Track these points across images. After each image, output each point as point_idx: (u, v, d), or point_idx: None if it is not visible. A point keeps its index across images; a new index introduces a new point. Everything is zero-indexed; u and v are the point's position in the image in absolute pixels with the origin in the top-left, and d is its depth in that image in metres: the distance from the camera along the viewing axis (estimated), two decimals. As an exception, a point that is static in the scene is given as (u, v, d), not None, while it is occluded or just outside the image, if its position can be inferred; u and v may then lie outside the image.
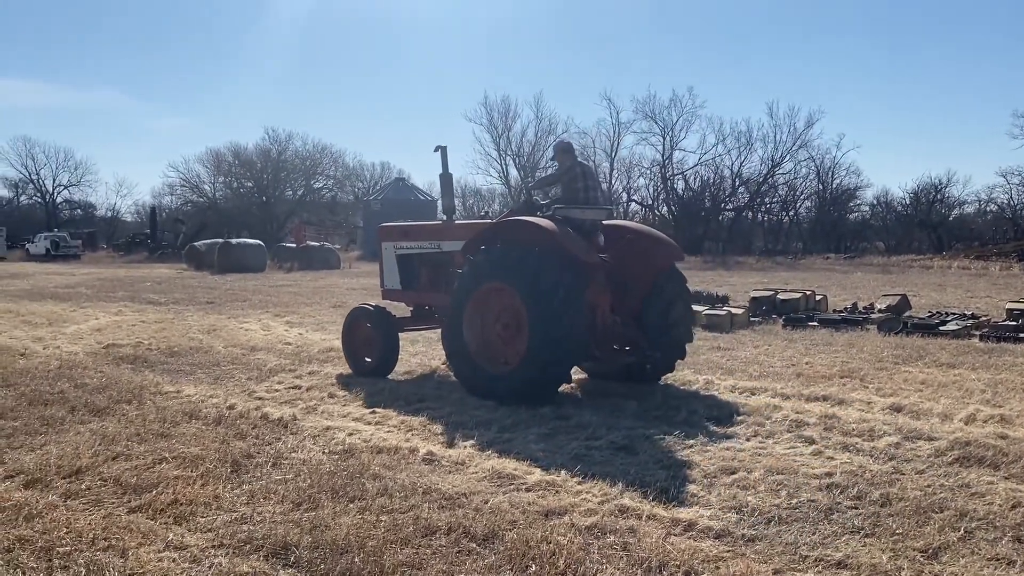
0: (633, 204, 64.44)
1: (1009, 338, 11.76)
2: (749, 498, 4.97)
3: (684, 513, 4.74)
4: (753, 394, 8.16)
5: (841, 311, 15.45)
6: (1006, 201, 53.88)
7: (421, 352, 11.03)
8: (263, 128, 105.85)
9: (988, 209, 54.38)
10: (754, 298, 16.58)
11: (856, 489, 5.13)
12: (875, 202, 59.81)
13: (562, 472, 5.56)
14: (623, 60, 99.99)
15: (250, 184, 72.08)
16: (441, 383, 8.88)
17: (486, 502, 4.97)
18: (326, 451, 6.15)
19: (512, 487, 5.29)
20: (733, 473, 5.50)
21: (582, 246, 7.85)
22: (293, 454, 6.06)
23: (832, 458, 5.84)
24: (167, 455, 5.99)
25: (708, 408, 7.48)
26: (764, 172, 60.38)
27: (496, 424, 6.92)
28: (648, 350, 8.34)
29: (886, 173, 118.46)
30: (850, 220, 60.24)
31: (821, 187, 61.14)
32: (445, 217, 10.05)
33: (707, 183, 64.32)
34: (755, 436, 6.57)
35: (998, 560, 4.06)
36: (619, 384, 8.52)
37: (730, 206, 64.75)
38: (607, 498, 5.01)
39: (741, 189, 63.07)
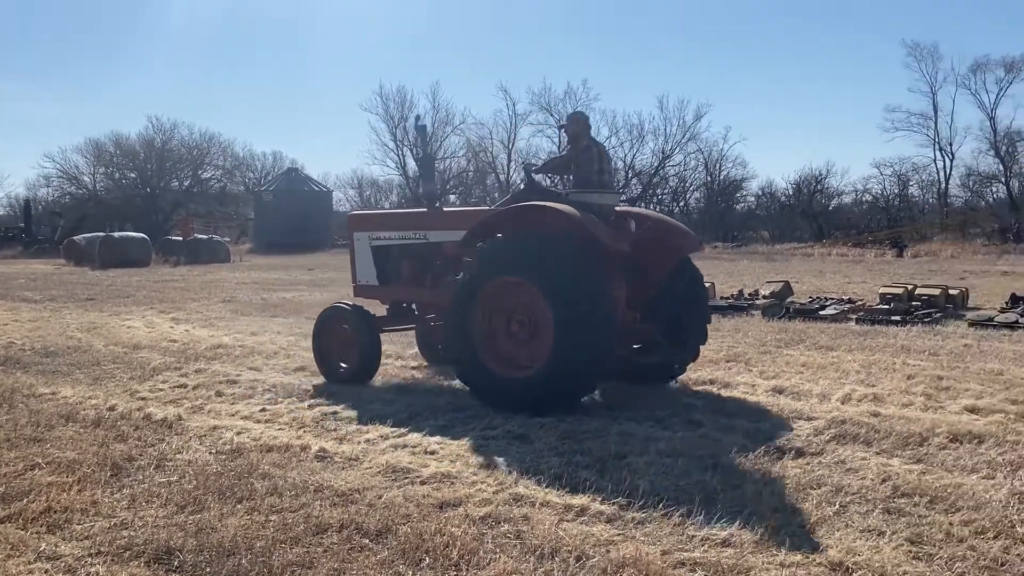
0: (530, 195, 64.69)
1: (882, 321, 12.45)
2: (640, 482, 5.07)
3: (577, 499, 4.80)
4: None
5: (728, 298, 16.00)
6: (880, 191, 57.00)
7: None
8: (146, 116, 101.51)
9: (864, 199, 57.35)
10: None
11: (741, 469, 5.32)
12: (760, 193, 62.17)
13: (458, 463, 5.55)
14: (519, 51, 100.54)
15: (133, 175, 69.05)
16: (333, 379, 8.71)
17: (380, 497, 4.91)
18: (213, 451, 5.95)
19: (407, 481, 5.24)
20: (625, 458, 5.60)
21: (612, 235, 7.12)
22: (178, 455, 5.83)
23: (719, 440, 6.03)
24: (40, 460, 5.66)
25: (603, 395, 7.60)
26: (656, 164, 61.95)
27: (391, 418, 6.85)
28: (671, 349, 7.69)
29: (770, 165, 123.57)
30: (737, 210, 62.46)
31: (709, 178, 63.17)
32: (426, 203, 9.12)
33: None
34: (646, 421, 6.71)
35: (870, 532, 4.27)
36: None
37: (624, 197, 66.00)
38: (502, 487, 5.03)
39: (634, 181, 64.37)
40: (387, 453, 5.83)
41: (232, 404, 7.57)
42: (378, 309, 9.24)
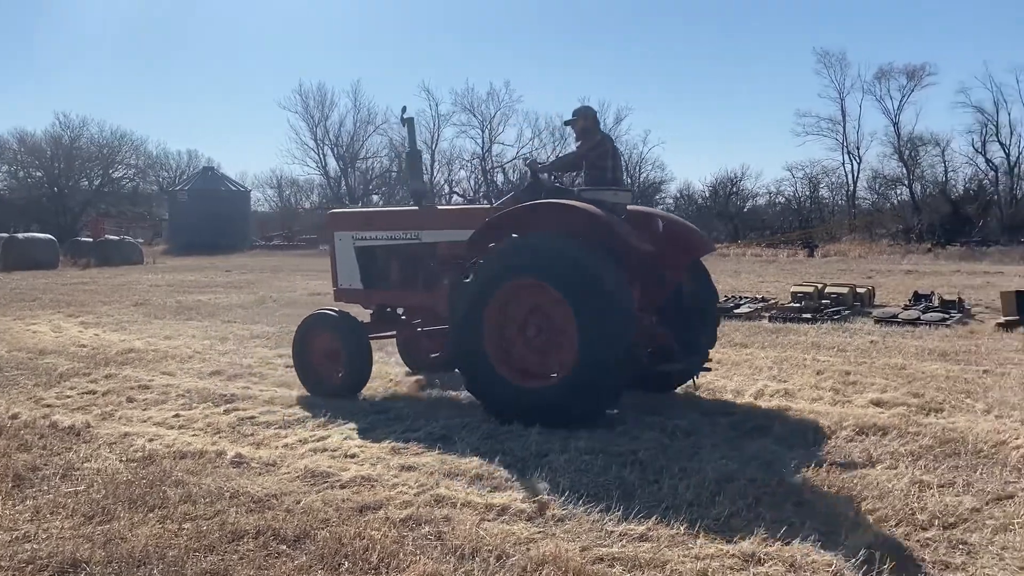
0: (456, 196, 64.76)
1: (793, 319, 12.87)
2: (560, 479, 5.13)
3: (498, 498, 4.83)
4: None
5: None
6: (792, 193, 58.90)
7: (232, 351, 10.58)
8: (53, 113, 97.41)
9: (777, 201, 59.12)
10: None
11: (658, 465, 5.42)
12: (679, 195, 63.45)
13: (378, 466, 5.51)
14: (441, 51, 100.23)
15: (39, 174, 66.08)
16: (250, 383, 8.53)
17: (298, 502, 4.83)
18: (123, 459, 5.75)
19: (326, 485, 5.17)
20: (546, 456, 5.64)
21: (637, 236, 6.77)
22: (86, 464, 5.62)
23: (638, 437, 6.13)
24: (-66, 474, 5.38)
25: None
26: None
27: (311, 421, 6.75)
28: (691, 355, 7.30)
29: (688, 167, 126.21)
30: (656, 211, 63.57)
31: (630, 181, 64.14)
32: (413, 201, 8.38)
33: (525, 176, 65.54)
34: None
35: (781, 523, 4.38)
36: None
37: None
38: (423, 489, 5.01)
39: (557, 183, 64.71)
40: (306, 457, 5.74)
41: (144, 410, 7.34)
42: (359, 314, 8.71)
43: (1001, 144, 52.95)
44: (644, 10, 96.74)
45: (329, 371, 7.78)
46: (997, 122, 52.98)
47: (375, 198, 69.42)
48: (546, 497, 4.81)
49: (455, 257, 7.45)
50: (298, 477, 5.33)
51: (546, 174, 7.68)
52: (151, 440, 6.22)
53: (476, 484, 5.11)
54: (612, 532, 4.32)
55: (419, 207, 8.24)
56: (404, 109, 8.19)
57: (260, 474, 5.42)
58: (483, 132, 63.82)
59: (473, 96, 63.57)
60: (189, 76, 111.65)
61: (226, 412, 7.14)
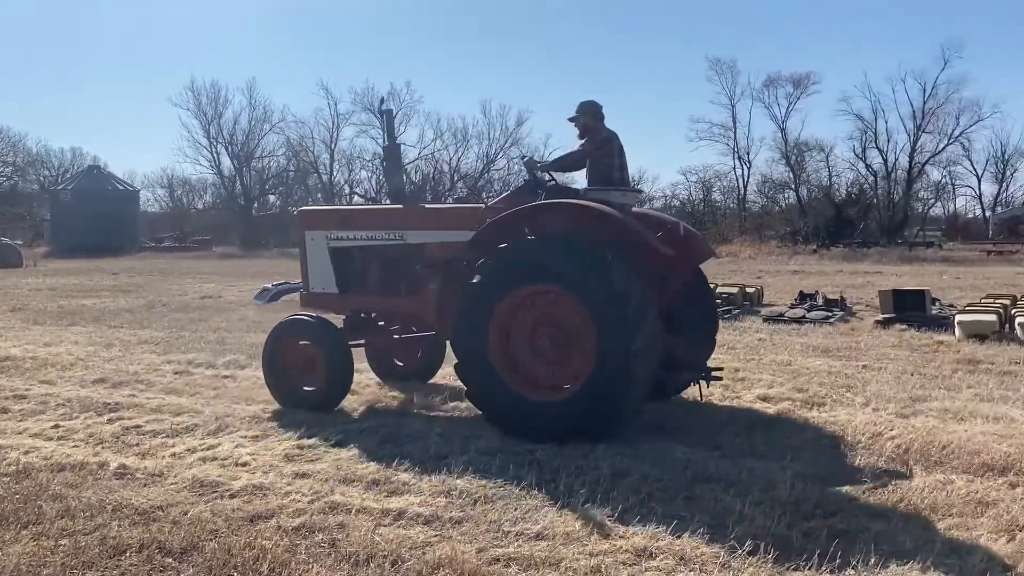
0: (356, 197, 63.96)
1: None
2: (458, 481, 5.12)
3: (394, 502, 4.78)
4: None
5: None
6: (687, 197, 60.74)
7: (117, 357, 10.13)
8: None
9: (672, 204, 60.77)
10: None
11: (555, 464, 5.46)
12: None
13: (271, 474, 5.36)
14: (340, 49, 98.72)
15: (-94, 171, 61.86)
16: (136, 391, 8.18)
17: (185, 513, 4.65)
18: (-6, 474, 5.42)
19: (215, 495, 5.00)
20: (445, 458, 5.62)
21: (658, 239, 6.41)
22: (-48, 481, 5.27)
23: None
24: None
25: (424, 396, 7.61)
26: (481, 168, 62.78)
27: (200, 430, 6.53)
28: (696, 363, 7.01)
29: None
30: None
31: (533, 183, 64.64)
32: (391, 198, 7.78)
33: (427, 177, 65.49)
34: (470, 421, 6.77)
35: (672, 517, 4.48)
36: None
37: (450, 200, 66.48)
38: (317, 496, 4.91)
39: (460, 184, 64.90)
40: (194, 467, 5.54)
41: (20, 421, 6.94)
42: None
43: (879, 150, 56.01)
44: (544, 14, 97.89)
45: (305, 382, 7.21)
46: (876, 129, 56.10)
47: (272, 198, 67.85)
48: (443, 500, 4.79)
49: (445, 260, 7.04)
50: (186, 487, 5.14)
51: (543, 173, 7.16)
52: (26, 453, 5.88)
53: (373, 489, 5.04)
54: (509, 532, 4.34)
55: (404, 205, 7.75)
56: (383, 100, 7.85)
57: (145, 485, 5.20)
58: (383, 132, 62.99)
59: (373, 95, 62.72)
60: (72, 70, 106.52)
61: (110, 421, 6.83)
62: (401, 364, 8.53)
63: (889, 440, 5.98)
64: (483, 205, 7.11)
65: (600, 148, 6.80)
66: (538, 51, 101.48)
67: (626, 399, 5.93)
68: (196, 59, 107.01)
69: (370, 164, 65.12)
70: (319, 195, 66.73)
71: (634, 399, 6.02)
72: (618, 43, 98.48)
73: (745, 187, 60.26)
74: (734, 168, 60.38)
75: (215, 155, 62.33)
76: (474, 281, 6.28)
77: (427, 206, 8.00)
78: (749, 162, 60.21)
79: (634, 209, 7.11)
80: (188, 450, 5.96)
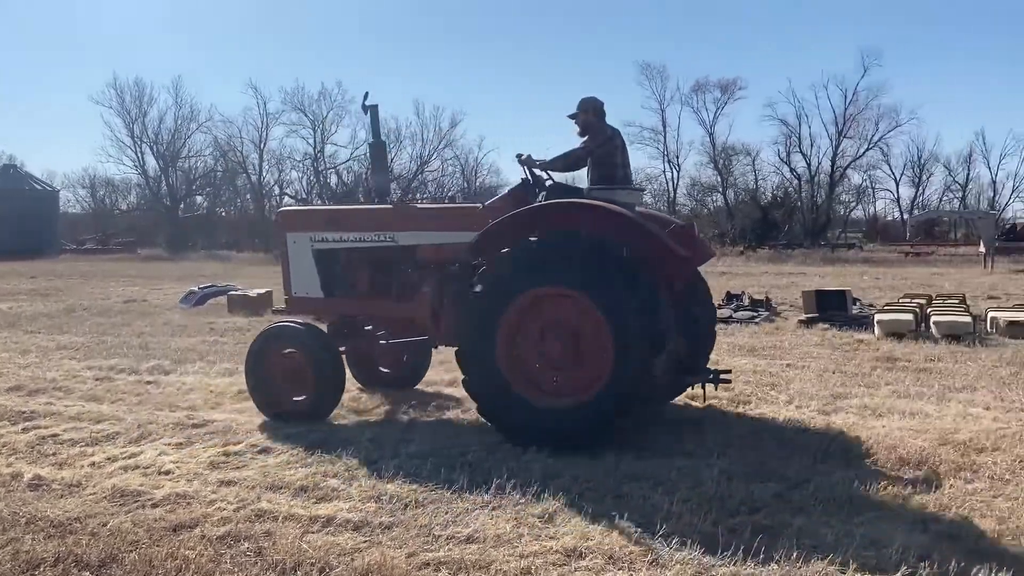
0: (286, 198, 63.00)
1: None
2: (388, 486, 5.07)
3: (323, 509, 4.71)
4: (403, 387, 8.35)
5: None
6: (620, 199, 61.49)
7: (34, 363, 9.75)
8: None
9: (606, 206, 61.45)
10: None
11: (487, 466, 5.46)
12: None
13: (195, 482, 5.24)
14: (269, 48, 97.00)
15: None
16: (54, 398, 7.88)
17: (104, 525, 4.50)
18: (-103, 488, 5.15)
19: (136, 505, 4.85)
20: (375, 463, 5.57)
21: (676, 242, 6.24)
22: None
23: (467, 439, 6.16)
24: None
25: (353, 401, 7.52)
26: (414, 169, 62.51)
27: (122, 437, 6.34)
28: (701, 367, 6.83)
29: (521, 173, 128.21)
30: (492, 216, 64.67)
31: (466, 185, 64.77)
32: (377, 197, 7.48)
33: (360, 178, 64.89)
34: (399, 424, 6.74)
35: (602, 516, 4.54)
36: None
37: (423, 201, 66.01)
38: (243, 504, 4.80)
39: (393, 185, 64.40)
40: (115, 476, 5.37)
41: (-75, 433, 6.62)
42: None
43: (803, 155, 57.64)
44: (477, 15, 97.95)
45: (293, 392, 6.85)
46: (800, 134, 57.68)
47: (199, 199, 66.34)
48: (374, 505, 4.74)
49: (439, 262, 6.85)
50: (105, 498, 4.98)
51: (542, 172, 6.90)
52: (-67, 466, 5.62)
53: (301, 496, 4.96)
54: (439, 536, 4.31)
55: (396, 205, 7.49)
56: (366, 95, 7.33)
57: (62, 496, 5.01)
58: (315, 132, 62.28)
59: (304, 95, 61.96)
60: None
61: (25, 431, 6.57)
62: (386, 371, 8.22)
63: (811, 436, 6.15)
64: (479, 206, 6.86)
65: (603, 146, 6.60)
66: (472, 52, 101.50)
67: (644, 404, 5.85)
68: (119, 56, 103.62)
69: (301, 165, 64.22)
70: (248, 196, 65.52)
71: (648, 399, 5.93)
72: (552, 45, 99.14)
73: (675, 190, 61.27)
74: (664, 171, 61.33)
75: (139, 155, 60.62)
76: (482, 283, 6.03)
77: (420, 206, 7.69)
78: (679, 166, 61.23)
79: (637, 209, 6.88)
80: (108, 459, 5.78)
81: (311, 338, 6.90)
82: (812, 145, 57.76)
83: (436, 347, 7.33)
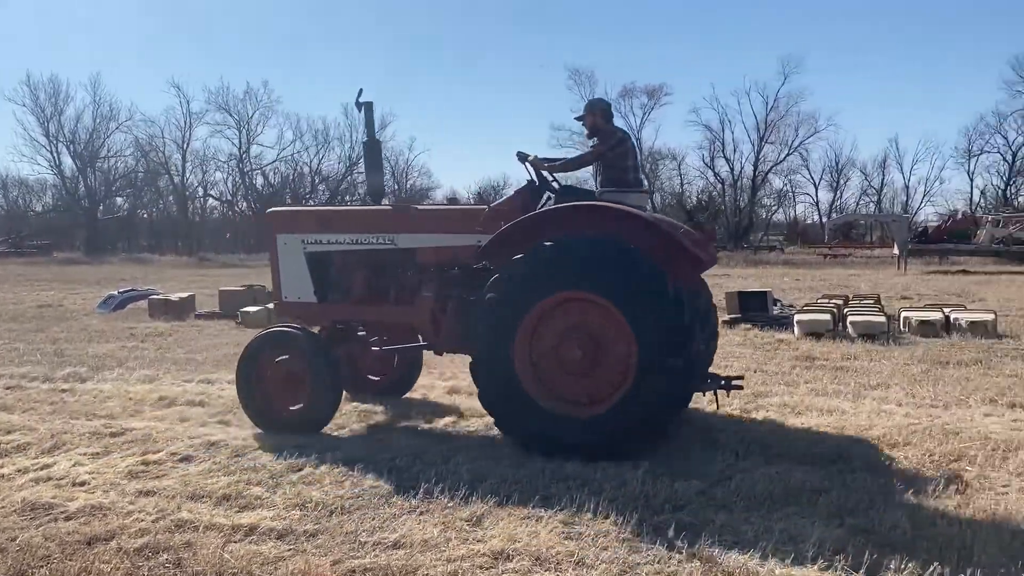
0: (211, 199, 61.54)
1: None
2: (314, 493, 5.00)
3: (246, 518, 4.61)
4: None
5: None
6: (550, 202, 62.01)
7: (-62, 372, 9.30)
8: None
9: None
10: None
11: (415, 470, 5.43)
12: (445, 202, 64.60)
13: (112, 493, 5.07)
14: (192, 45, 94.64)
15: None
16: (-37, 407, 7.53)
17: (13, 540, 4.32)
18: None
19: (49, 518, 4.67)
20: (300, 470, 5.48)
21: (694, 242, 6.15)
22: None
23: (395, 443, 6.13)
24: None
25: (401, 412, 7.38)
26: (343, 170, 61.80)
27: (34, 448, 6.10)
28: (705, 373, 6.58)
29: (453, 176, 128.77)
30: (423, 218, 64.52)
31: (397, 187, 64.38)
32: (372, 198, 7.20)
33: (287, 179, 63.89)
34: (325, 430, 6.64)
35: (529, 518, 4.57)
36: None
37: (312, 203, 65.16)
38: (163, 514, 4.67)
39: (322, 187, 63.65)
40: (25, 489, 5.16)
41: None
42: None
43: (727, 159, 59.20)
44: (406, 16, 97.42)
45: (289, 401, 6.51)
46: (723, 140, 59.18)
47: (119, 200, 64.33)
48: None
49: (441, 265, 6.62)
50: (15, 511, 4.77)
51: (546, 173, 6.70)
52: None
53: (223, 505, 4.84)
54: (365, 543, 4.27)
55: (395, 206, 7.24)
56: (360, 92, 7.02)
57: (-33, 512, 4.79)
58: (240, 132, 61.11)
59: (229, 95, 60.76)
60: None
61: (-73, 443, 6.25)
62: (375, 379, 7.92)
63: (734, 435, 6.29)
64: (485, 207, 6.62)
65: (614, 149, 6.49)
66: (400, 54, 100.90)
67: (666, 409, 5.72)
68: (33, 53, 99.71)
69: (225, 166, 62.90)
70: (171, 197, 63.85)
71: (674, 407, 5.79)
72: (481, 48, 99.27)
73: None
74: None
75: (55, 154, 58.65)
76: (500, 287, 5.81)
77: (422, 207, 7.48)
78: (609, 169, 62.04)
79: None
80: (19, 471, 5.55)
81: (309, 344, 6.57)
82: (735, 150, 59.42)
83: (442, 353, 7.05)
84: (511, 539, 4.25)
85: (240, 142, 61.50)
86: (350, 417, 7.07)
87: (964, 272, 30.53)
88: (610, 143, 6.49)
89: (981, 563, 3.89)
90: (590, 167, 6.80)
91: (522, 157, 6.61)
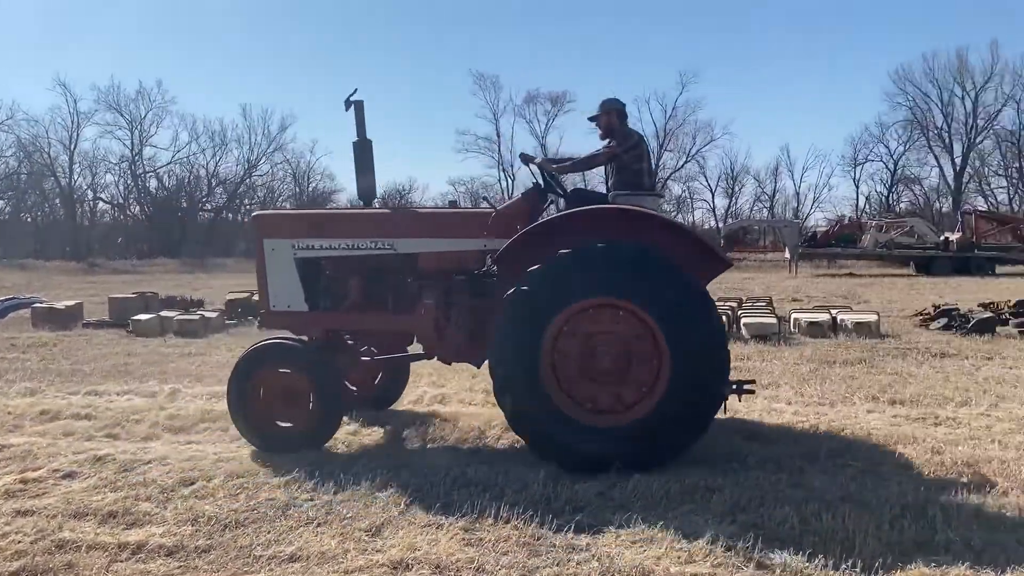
0: (101, 203, 58.98)
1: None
2: (207, 507, 4.83)
3: (133, 535, 4.42)
4: (221, 399, 7.95)
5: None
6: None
7: None
8: None
9: (441, 212, 61.88)
10: (230, 300, 16.39)
11: (313, 481, 5.31)
12: (349, 206, 63.84)
13: (-17, 514, 4.78)
14: (79, 43, 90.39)
15: None
16: None
17: None
18: None
19: (-87, 543, 4.37)
20: (192, 484, 5.29)
21: (723, 249, 5.96)
22: None
23: (295, 454, 5.94)
24: None
25: (170, 419, 7.13)
26: (241, 173, 60.26)
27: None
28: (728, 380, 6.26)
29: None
30: (326, 222, 63.51)
31: (298, 190, 63.19)
32: (362, 201, 6.81)
33: (183, 182, 61.90)
34: (220, 441, 6.46)
35: (430, 526, 4.54)
36: None
37: (208, 207, 63.27)
38: (42, 535, 4.43)
39: (219, 190, 61.91)
40: None
41: None
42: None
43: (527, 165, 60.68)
44: (306, 17, 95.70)
45: (288, 417, 6.14)
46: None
47: (1, 203, 60.95)
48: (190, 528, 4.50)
49: (444, 271, 6.35)
50: None
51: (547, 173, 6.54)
52: None
53: (109, 523, 4.63)
54: (260, 557, 4.16)
55: (394, 209, 6.83)
56: (355, 91, 6.63)
57: None
58: (132, 133, 58.86)
59: (120, 94, 58.39)
60: None
61: None
62: (354, 389, 7.41)
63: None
64: (492, 211, 6.41)
65: (629, 151, 6.39)
66: (301, 55, 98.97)
67: (699, 418, 5.52)
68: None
69: (117, 168, 60.44)
70: (57, 201, 60.93)
71: (708, 415, 5.58)
72: (384, 49, 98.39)
73: (510, 199, 62.69)
74: (499, 180, 62.48)
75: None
76: (524, 294, 5.53)
77: (423, 210, 7.15)
78: (513, 175, 62.61)
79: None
80: None
81: (309, 356, 6.24)
82: (637, 156, 60.63)
83: (450, 363, 6.74)
84: (411, 548, 4.21)
85: (132, 143, 59.21)
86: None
87: (851, 275, 32.12)
88: (626, 145, 6.40)
89: (862, 554, 4.08)
90: (600, 167, 6.75)
91: (526, 159, 6.50)
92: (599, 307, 5.59)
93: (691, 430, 5.51)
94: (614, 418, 5.59)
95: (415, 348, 6.85)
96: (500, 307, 5.65)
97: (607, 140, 6.55)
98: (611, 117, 6.56)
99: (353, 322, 6.68)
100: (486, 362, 5.85)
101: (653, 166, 6.55)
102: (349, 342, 6.98)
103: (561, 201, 6.55)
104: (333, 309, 6.64)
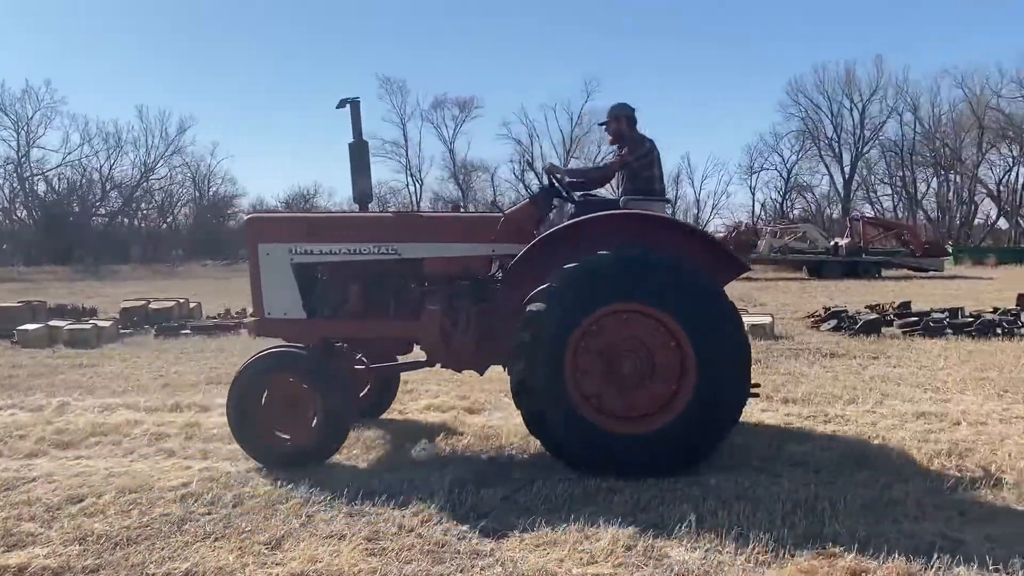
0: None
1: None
2: (96, 525, 4.64)
3: (14, 557, 4.19)
4: (113, 411, 7.69)
5: (214, 317, 15.64)
6: (363, 212, 61.63)
7: None
8: None
9: (350, 218, 61.22)
10: (125, 309, 15.82)
11: (211, 495, 5.16)
12: (252, 209, 62.35)
13: None
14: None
15: None
16: None
17: None
18: None
19: None
20: (80, 501, 5.07)
21: (742, 255, 5.71)
22: None
23: (190, 467, 5.81)
24: None
25: (58, 434, 6.80)
26: (138, 177, 58.18)
27: None
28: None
29: (262, 184, 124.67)
30: (229, 227, 61.75)
31: (198, 194, 61.36)
32: (358, 204, 6.58)
33: (74, 186, 59.35)
34: (112, 456, 6.21)
35: (332, 537, 4.46)
36: None
37: (103, 211, 60.86)
38: (-88, 561, 4.16)
39: (114, 193, 59.62)
40: None
41: None
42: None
43: (536, 173, 61.06)
44: (208, 16, 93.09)
45: (292, 430, 5.85)
46: (532, 153, 61.08)
47: None
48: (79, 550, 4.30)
49: (450, 276, 6.19)
50: None
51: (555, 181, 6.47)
52: None
53: (-13, 545, 4.39)
54: (154, 574, 4.01)
55: (398, 213, 6.73)
56: (360, 95, 6.48)
57: None
58: (19, 135, 56.08)
59: (5, 93, 55.47)
60: None
61: None
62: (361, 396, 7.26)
63: (535, 442, 6.45)
64: (500, 215, 6.31)
65: (640, 159, 6.38)
66: (203, 54, 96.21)
67: (723, 424, 5.52)
68: None
69: (2, 171, 57.42)
70: (-66, 205, 57.54)
71: (731, 421, 5.59)
72: (287, 51, 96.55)
73: (418, 204, 62.41)
74: (407, 185, 62.16)
75: None
76: (547, 301, 5.42)
77: (427, 214, 7.00)
78: (421, 179, 62.42)
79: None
80: None
81: (316, 365, 5.94)
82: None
83: (461, 371, 6.61)
84: (312, 560, 4.13)
85: (18, 145, 56.31)
86: (139, 441, 6.62)
87: (748, 279, 33.18)
88: (638, 152, 6.41)
89: (756, 549, 4.23)
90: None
91: (552, 170, 6.52)
92: (628, 312, 5.55)
93: (709, 438, 5.51)
94: (634, 425, 5.55)
95: (410, 356, 6.77)
96: (523, 307, 5.53)
97: (618, 147, 6.63)
98: (620, 123, 6.62)
99: (355, 330, 6.43)
100: (489, 368, 6.09)
101: (662, 172, 6.64)
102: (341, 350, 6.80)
103: (568, 206, 6.51)
104: (333, 316, 6.40)
